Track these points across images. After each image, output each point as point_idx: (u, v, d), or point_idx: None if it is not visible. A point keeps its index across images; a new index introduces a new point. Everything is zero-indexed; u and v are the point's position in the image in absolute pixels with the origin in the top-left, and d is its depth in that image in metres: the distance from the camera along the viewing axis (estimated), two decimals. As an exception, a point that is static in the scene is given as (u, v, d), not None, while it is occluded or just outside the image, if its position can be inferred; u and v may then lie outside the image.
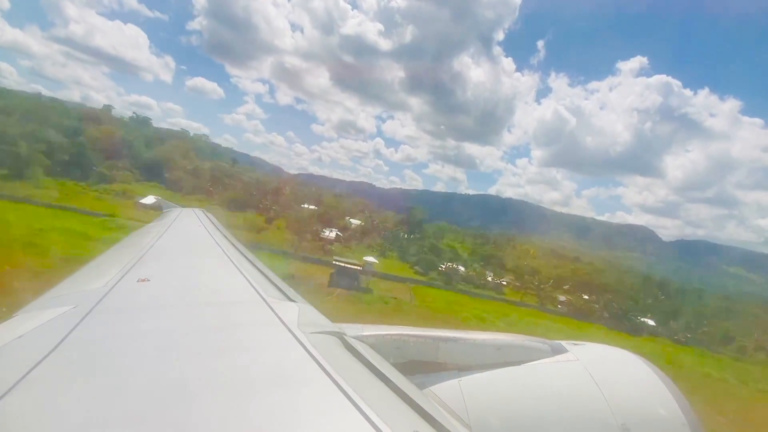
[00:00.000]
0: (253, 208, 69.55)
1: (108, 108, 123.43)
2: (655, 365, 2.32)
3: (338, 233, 65.00)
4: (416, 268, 60.70)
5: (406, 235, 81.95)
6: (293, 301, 2.60)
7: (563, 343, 2.46)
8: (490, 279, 63.81)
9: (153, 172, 76.22)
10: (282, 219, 63.08)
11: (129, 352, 1.68)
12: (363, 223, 77.55)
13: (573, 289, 65.25)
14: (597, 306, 59.83)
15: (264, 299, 2.54)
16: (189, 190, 73.43)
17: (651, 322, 58.46)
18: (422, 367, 2.21)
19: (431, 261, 61.68)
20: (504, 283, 64.87)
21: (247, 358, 1.64)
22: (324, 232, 62.76)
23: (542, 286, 64.08)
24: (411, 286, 47.72)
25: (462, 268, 62.97)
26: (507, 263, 78.10)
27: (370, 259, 47.11)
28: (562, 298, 60.55)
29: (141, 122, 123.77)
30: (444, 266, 60.84)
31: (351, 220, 79.17)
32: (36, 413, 1.18)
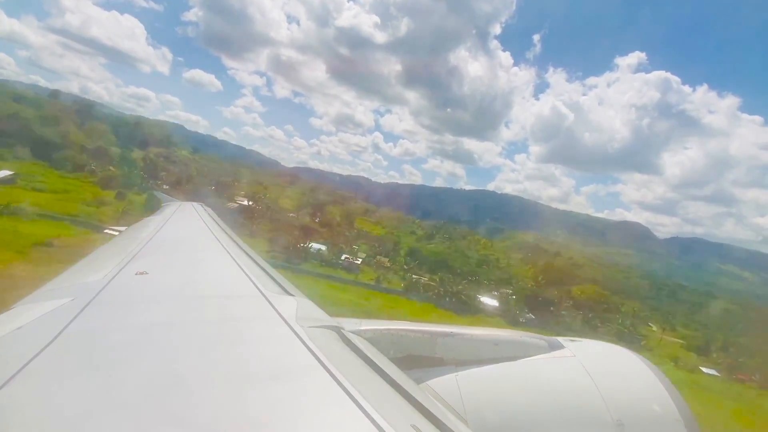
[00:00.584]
0: (136, 187, 69.96)
1: (56, 92, 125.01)
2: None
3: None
4: (273, 247, 59.57)
5: (314, 219, 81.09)
6: (291, 295, 2.58)
7: (560, 339, 2.46)
8: (344, 258, 62.46)
9: (46, 151, 76.14)
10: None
11: (127, 345, 1.68)
12: (252, 204, 76.64)
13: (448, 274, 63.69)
14: (433, 285, 59.96)
15: (262, 293, 2.51)
16: (72, 168, 73.50)
17: (495, 303, 58.20)
18: (420, 361, 2.21)
19: (287, 241, 60.50)
20: (358, 262, 63.61)
21: (245, 352, 1.65)
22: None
23: (406, 267, 63.33)
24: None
25: (321, 248, 61.68)
26: (400, 248, 76.70)
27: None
28: (417, 279, 59.45)
29: (86, 106, 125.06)
30: (300, 245, 59.74)
31: (242, 201, 78.34)
32: (34, 405, 1.18)
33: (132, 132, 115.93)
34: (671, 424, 2.02)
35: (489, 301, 58.19)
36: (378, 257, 69.13)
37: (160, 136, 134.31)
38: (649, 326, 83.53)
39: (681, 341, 74.17)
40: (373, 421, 1.16)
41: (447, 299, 55.94)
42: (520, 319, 55.47)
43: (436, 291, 57.71)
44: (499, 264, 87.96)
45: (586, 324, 57.27)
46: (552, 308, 60.73)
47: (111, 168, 76.37)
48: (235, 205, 73.75)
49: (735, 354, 65.13)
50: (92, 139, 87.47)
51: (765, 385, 54.81)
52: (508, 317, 55.03)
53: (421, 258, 70.44)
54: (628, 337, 55.44)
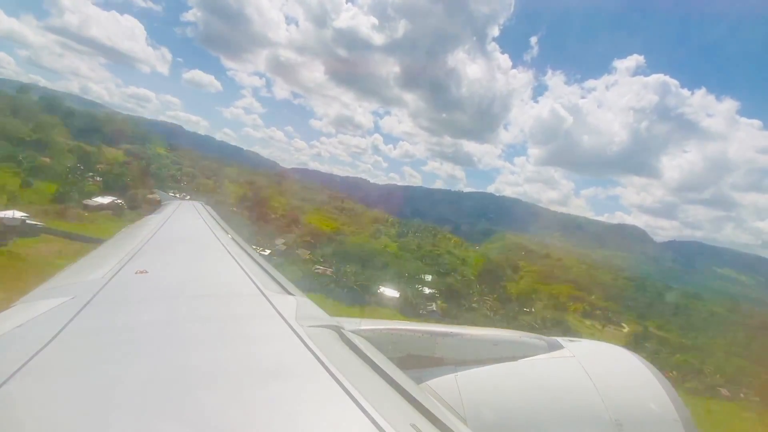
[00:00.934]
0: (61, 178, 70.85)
1: (25, 87, 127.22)
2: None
3: (116, 200, 64.42)
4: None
5: (250, 213, 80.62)
6: (291, 294, 2.60)
7: (559, 339, 2.48)
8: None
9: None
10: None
11: (127, 344, 1.69)
12: (181, 196, 76.39)
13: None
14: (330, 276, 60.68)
15: (262, 292, 2.53)
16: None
17: (395, 295, 58.80)
18: (419, 361, 2.23)
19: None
20: (266, 254, 62.64)
21: (245, 351, 1.67)
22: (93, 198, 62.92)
23: (322, 259, 63.18)
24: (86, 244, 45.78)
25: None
26: (331, 243, 75.63)
27: (11, 213, 44.90)
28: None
29: (53, 100, 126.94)
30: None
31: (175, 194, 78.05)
32: (35, 403, 1.19)
33: (99, 127, 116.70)
34: (669, 424, 2.02)
35: (390, 292, 58.02)
36: (300, 250, 68.10)
37: (132, 133, 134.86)
38: (621, 325, 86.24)
39: (622, 337, 72.27)
40: (372, 421, 1.16)
41: (344, 290, 56.03)
42: (420, 311, 55.67)
43: (333, 281, 57.67)
44: (440, 260, 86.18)
45: (498, 315, 56.21)
46: (462, 301, 61.06)
47: (44, 159, 76.31)
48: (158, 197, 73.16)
49: (662, 351, 63.22)
50: (37, 132, 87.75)
51: (679, 384, 52.66)
52: (406, 309, 55.24)
53: (345, 252, 69.22)
54: (539, 331, 54.04)
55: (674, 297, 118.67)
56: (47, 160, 77.23)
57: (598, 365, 2.26)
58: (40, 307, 2.07)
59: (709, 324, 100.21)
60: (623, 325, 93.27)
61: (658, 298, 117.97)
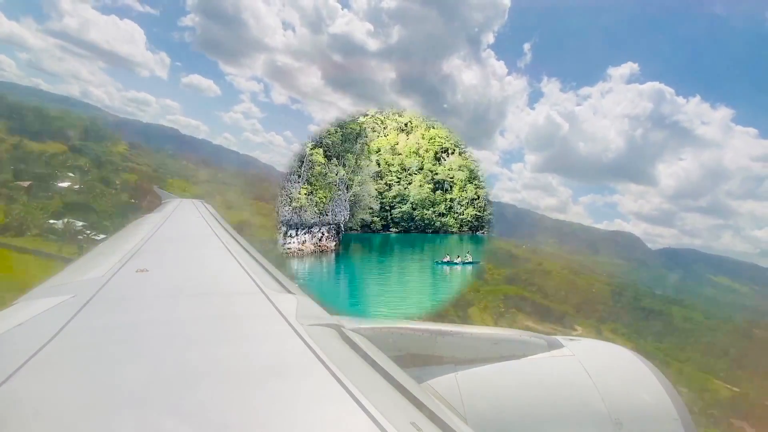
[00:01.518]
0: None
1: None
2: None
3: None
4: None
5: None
6: (291, 293, 2.62)
7: (560, 338, 2.49)
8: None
9: None
10: None
11: (127, 342, 1.70)
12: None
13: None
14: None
15: (262, 290, 2.55)
16: None
17: None
18: (419, 360, 2.24)
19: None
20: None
21: (246, 349, 1.68)
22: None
23: None
24: None
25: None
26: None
27: None
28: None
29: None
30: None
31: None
32: (35, 401, 1.19)
33: (48, 123, 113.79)
34: (669, 422, 2.05)
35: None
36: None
37: (88, 131, 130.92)
38: (575, 327, 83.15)
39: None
40: (373, 419, 1.16)
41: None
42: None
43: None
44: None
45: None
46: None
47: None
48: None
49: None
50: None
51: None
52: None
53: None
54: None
55: (650, 302, 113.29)
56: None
57: (598, 364, 2.26)
58: (41, 305, 2.07)
59: (679, 330, 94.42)
60: (576, 327, 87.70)
61: (632, 303, 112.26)
